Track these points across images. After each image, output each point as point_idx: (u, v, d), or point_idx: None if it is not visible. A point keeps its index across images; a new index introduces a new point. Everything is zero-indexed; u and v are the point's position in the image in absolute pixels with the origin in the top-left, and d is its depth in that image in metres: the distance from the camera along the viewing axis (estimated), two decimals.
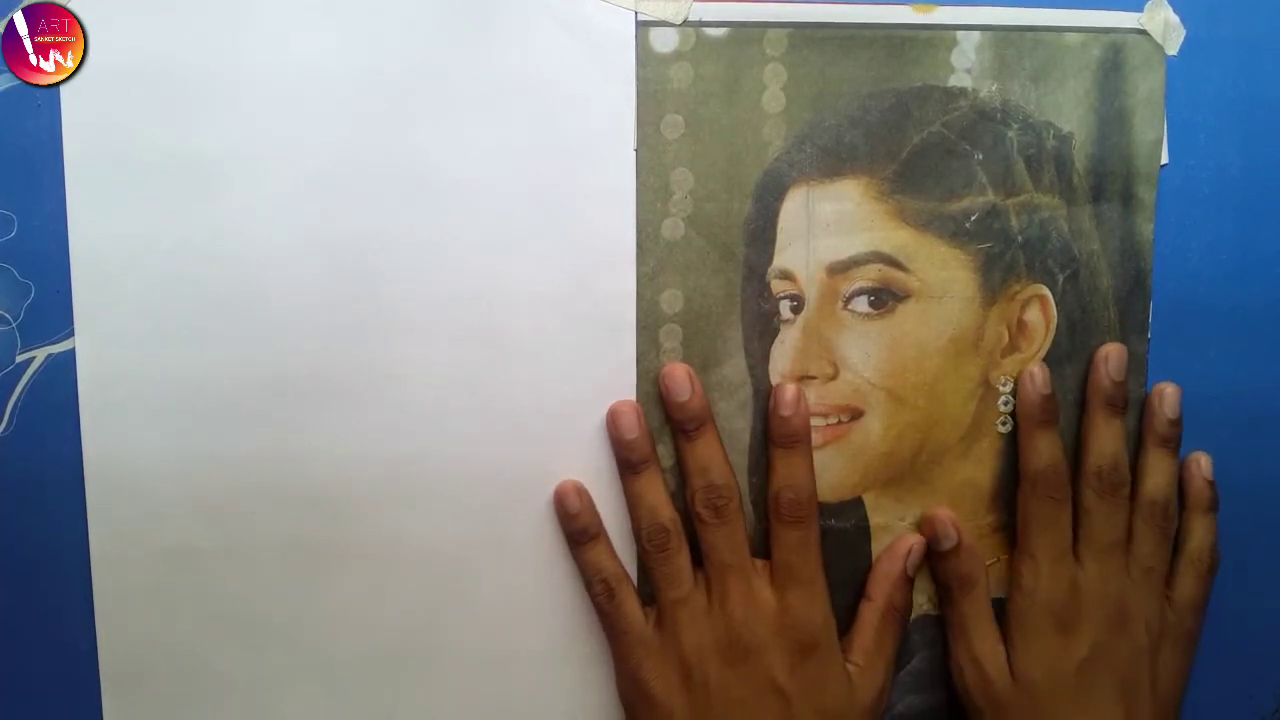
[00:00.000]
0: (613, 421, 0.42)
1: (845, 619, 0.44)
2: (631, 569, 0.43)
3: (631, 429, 0.41)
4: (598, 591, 0.42)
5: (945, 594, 0.44)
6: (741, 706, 0.40)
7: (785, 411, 0.42)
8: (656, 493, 0.42)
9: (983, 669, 0.42)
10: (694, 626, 0.41)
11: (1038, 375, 0.43)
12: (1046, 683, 0.41)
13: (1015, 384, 0.43)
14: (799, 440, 0.42)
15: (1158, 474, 0.43)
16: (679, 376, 0.41)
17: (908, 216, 0.42)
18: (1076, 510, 0.43)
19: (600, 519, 0.42)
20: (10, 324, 0.40)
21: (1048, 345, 0.44)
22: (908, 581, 0.43)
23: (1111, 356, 0.43)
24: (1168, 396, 0.44)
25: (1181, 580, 0.44)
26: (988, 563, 0.43)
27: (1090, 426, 0.43)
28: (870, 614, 0.43)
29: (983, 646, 0.43)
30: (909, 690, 0.45)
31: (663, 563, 0.41)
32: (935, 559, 0.44)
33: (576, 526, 0.42)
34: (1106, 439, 0.43)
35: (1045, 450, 0.42)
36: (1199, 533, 0.44)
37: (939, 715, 0.45)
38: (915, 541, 0.43)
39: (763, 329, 0.43)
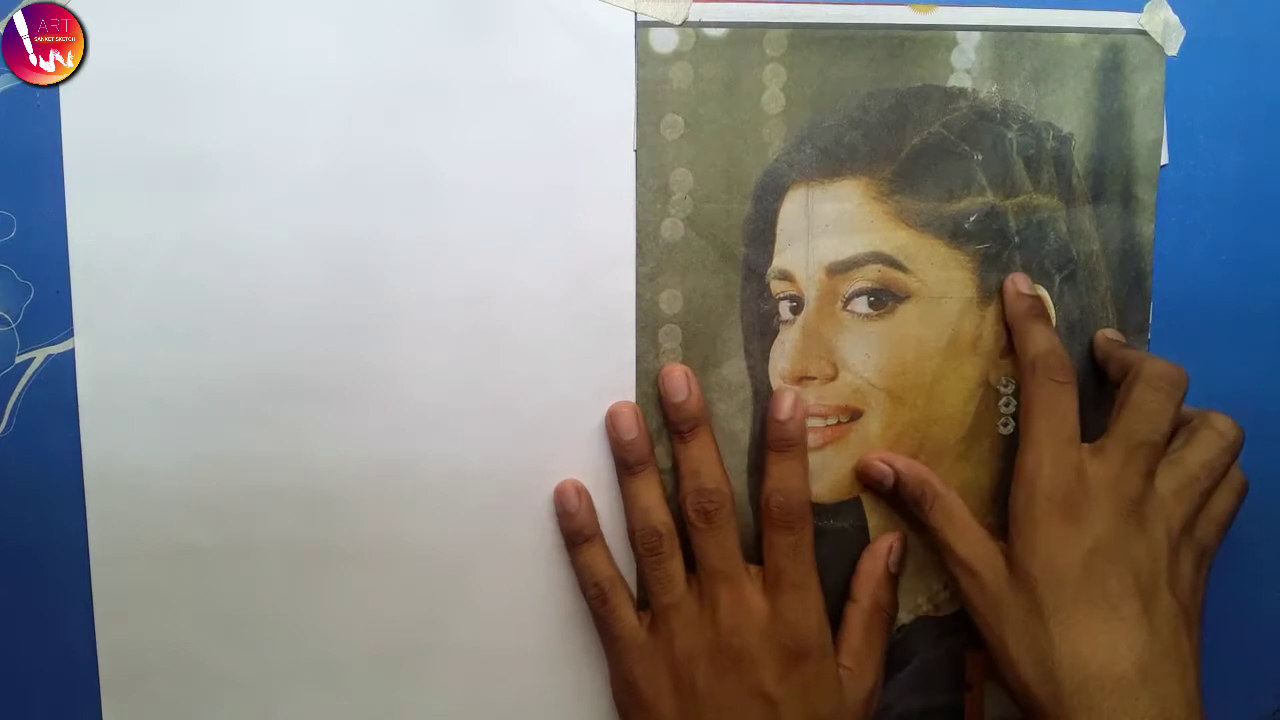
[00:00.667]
0: (611, 422, 0.42)
1: (837, 620, 0.44)
2: (630, 574, 0.43)
3: (629, 430, 0.41)
4: (592, 595, 0.42)
5: (915, 519, 0.43)
6: (730, 712, 0.40)
7: (781, 417, 0.42)
8: (652, 495, 0.42)
9: (972, 569, 0.40)
10: (685, 632, 0.41)
11: (1020, 280, 0.43)
12: (1047, 574, 0.39)
13: (1004, 300, 0.43)
14: (793, 445, 0.42)
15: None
16: (676, 377, 0.41)
17: (907, 217, 0.42)
18: (1120, 407, 0.41)
19: (597, 521, 0.42)
20: (10, 324, 0.40)
21: None
22: (891, 579, 0.43)
23: (1107, 331, 0.44)
24: None
25: (1217, 495, 0.42)
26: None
27: (1128, 355, 0.42)
28: (856, 616, 0.43)
29: (965, 548, 0.41)
30: (909, 691, 0.45)
31: (655, 566, 0.41)
32: (889, 498, 0.44)
33: (573, 526, 0.42)
34: (1150, 357, 0.41)
35: (1041, 336, 0.41)
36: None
37: (939, 715, 0.45)
38: (895, 540, 0.43)
39: (762, 329, 0.43)
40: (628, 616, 0.42)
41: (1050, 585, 0.38)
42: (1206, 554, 0.42)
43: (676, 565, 0.41)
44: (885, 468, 0.43)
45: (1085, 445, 0.40)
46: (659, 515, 0.41)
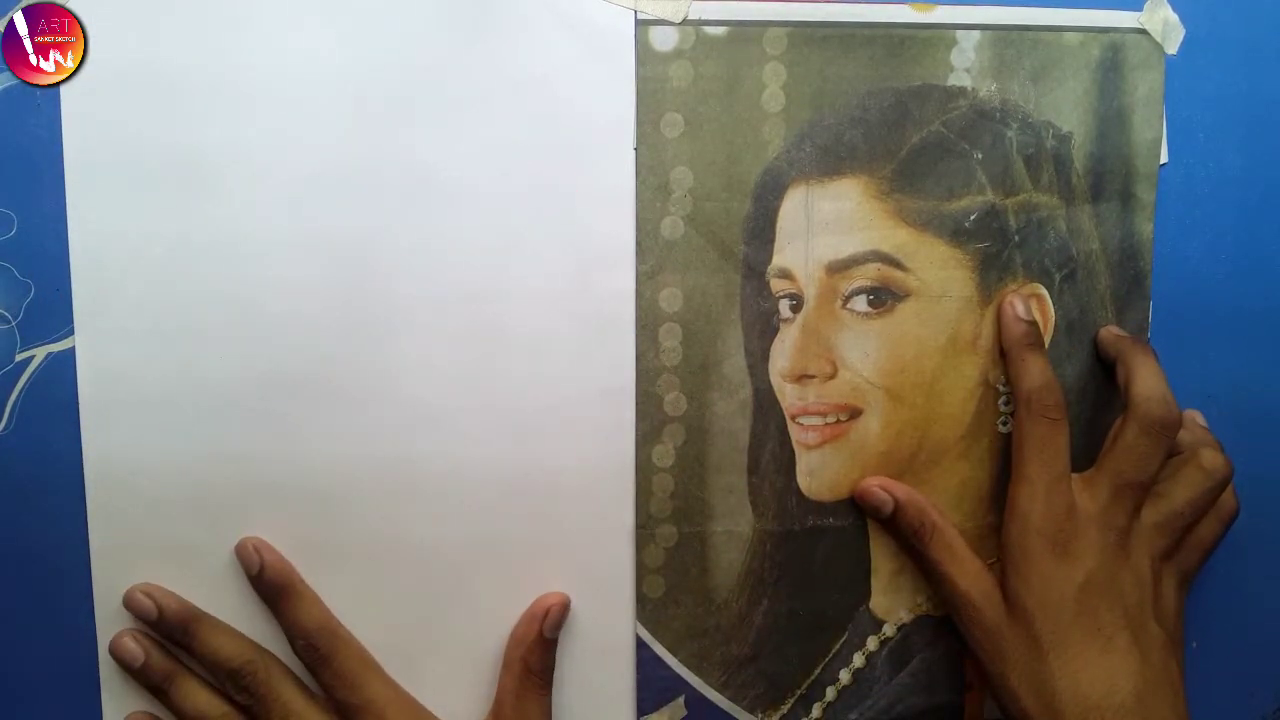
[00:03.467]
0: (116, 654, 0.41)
1: (840, 620, 0.44)
2: (627, 568, 0.43)
3: (135, 657, 0.41)
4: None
5: (911, 549, 0.43)
6: None
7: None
8: (199, 695, 0.41)
9: (973, 603, 0.41)
10: None
11: (1018, 303, 0.43)
12: (1043, 609, 0.39)
13: (1000, 323, 0.43)
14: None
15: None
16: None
17: (907, 216, 0.43)
18: (1112, 444, 0.41)
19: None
20: (10, 322, 0.40)
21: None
22: (546, 645, 0.42)
23: (1111, 327, 0.44)
24: None
25: (1202, 524, 0.43)
26: (988, 563, 0.43)
27: (1131, 370, 0.42)
28: (509, 681, 0.42)
29: (966, 582, 0.41)
30: (909, 691, 0.45)
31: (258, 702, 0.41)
32: (885, 524, 0.43)
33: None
34: (1149, 376, 0.41)
35: (1036, 370, 0.42)
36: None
37: (939, 715, 0.45)
38: (555, 603, 0.42)
39: (762, 328, 0.43)
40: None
41: (1047, 619, 0.39)
42: (1187, 578, 0.43)
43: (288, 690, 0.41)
44: (885, 495, 0.43)
45: (1075, 477, 0.41)
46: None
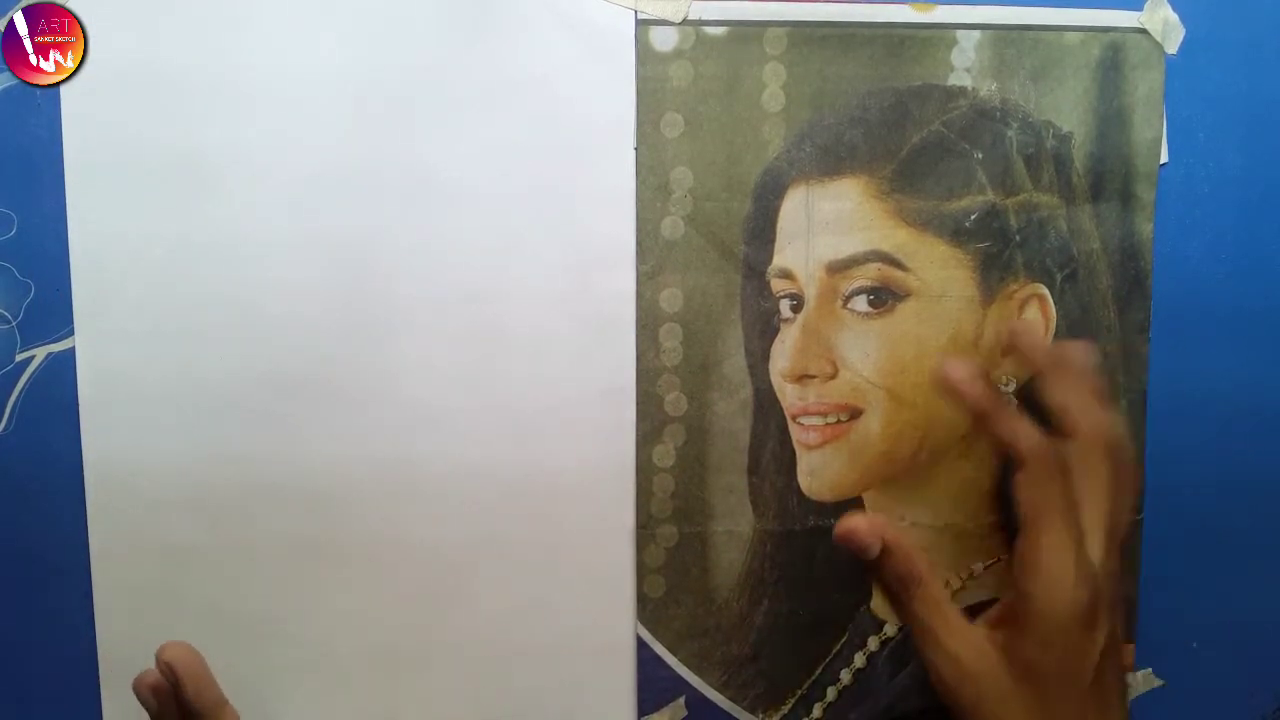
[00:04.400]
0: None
1: (840, 620, 0.44)
2: (628, 568, 0.43)
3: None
4: None
5: (895, 601, 0.38)
6: None
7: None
8: None
9: (962, 665, 0.37)
10: None
11: (959, 368, 0.37)
12: (1063, 676, 0.37)
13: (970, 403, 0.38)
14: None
15: None
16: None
17: (907, 215, 0.43)
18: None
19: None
20: (10, 322, 0.40)
21: (1048, 344, 0.44)
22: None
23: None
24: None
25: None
26: (987, 563, 0.43)
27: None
28: None
29: (955, 642, 0.37)
30: (909, 691, 0.45)
31: None
32: (868, 568, 0.37)
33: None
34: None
35: (1029, 428, 0.36)
36: None
37: (939, 715, 0.45)
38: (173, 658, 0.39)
39: (763, 328, 0.43)
40: None
41: (1065, 685, 0.36)
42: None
43: None
44: (873, 540, 0.37)
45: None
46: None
